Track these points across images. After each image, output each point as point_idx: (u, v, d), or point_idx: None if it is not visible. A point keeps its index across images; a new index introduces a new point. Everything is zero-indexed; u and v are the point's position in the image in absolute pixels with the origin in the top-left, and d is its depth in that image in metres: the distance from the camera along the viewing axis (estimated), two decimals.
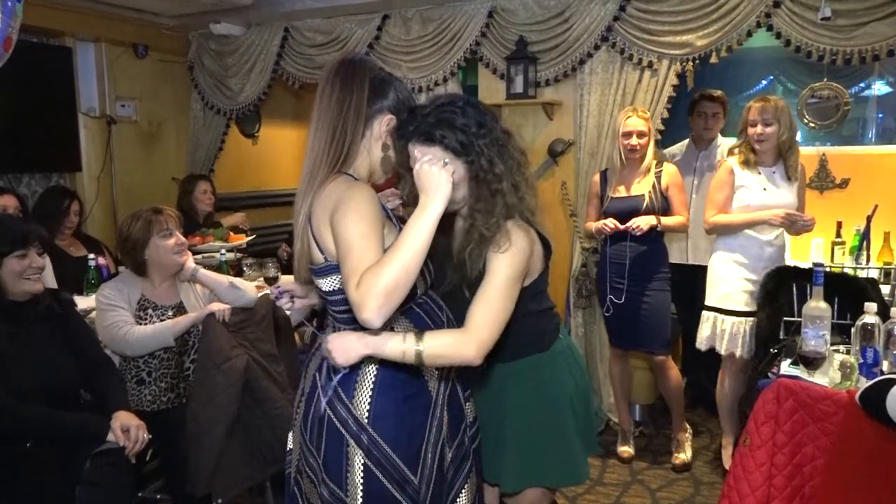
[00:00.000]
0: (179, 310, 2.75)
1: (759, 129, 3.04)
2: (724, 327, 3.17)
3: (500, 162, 1.65)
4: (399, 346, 1.51)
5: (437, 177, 1.47)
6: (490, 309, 1.61)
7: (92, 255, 3.45)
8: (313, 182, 1.59)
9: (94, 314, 2.86)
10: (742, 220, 3.09)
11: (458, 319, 1.71)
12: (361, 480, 1.58)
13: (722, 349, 3.18)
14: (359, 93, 1.59)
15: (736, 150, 3.19)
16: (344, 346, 1.51)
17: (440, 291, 1.79)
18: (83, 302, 2.98)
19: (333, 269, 1.57)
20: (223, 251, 3.52)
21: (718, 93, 3.95)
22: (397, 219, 1.72)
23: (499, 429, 1.90)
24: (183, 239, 2.75)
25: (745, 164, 3.12)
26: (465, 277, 1.72)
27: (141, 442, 2.29)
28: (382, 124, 1.63)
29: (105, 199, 4.52)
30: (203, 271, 2.81)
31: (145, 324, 2.65)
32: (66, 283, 3.15)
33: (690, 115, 4.04)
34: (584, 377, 1.98)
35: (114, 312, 2.61)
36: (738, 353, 3.14)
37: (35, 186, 4.20)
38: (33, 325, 2.35)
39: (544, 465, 1.87)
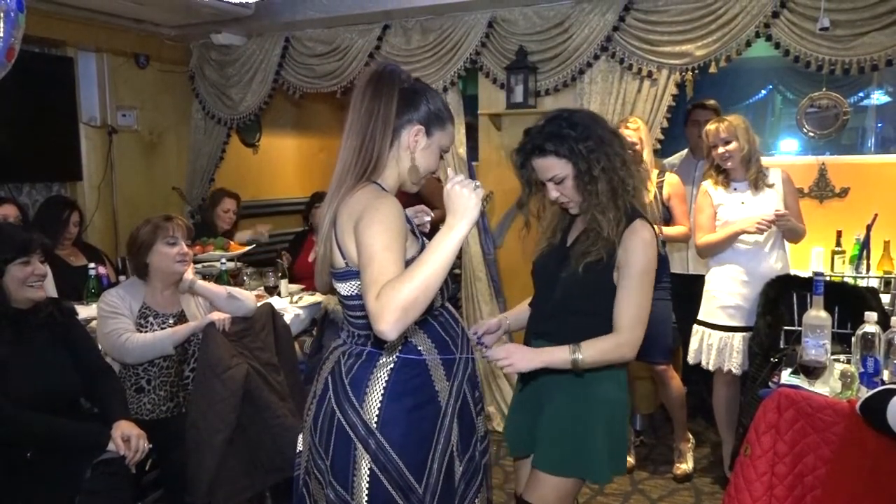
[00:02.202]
0: (181, 318, 2.75)
1: (720, 149, 3.11)
2: (710, 342, 3.20)
3: (600, 162, 1.85)
4: (565, 356, 1.83)
5: (467, 199, 1.48)
6: (632, 306, 1.86)
7: (92, 265, 3.45)
8: (340, 188, 1.61)
9: (94, 323, 2.86)
10: (723, 236, 3.13)
11: (548, 300, 1.97)
12: (367, 485, 1.59)
13: (710, 364, 3.20)
14: (387, 104, 1.60)
15: (709, 174, 3.26)
16: (525, 356, 1.85)
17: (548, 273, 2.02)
18: (83, 311, 2.98)
19: (353, 274, 1.59)
20: (223, 260, 3.52)
21: (711, 101, 3.97)
22: (422, 234, 1.74)
23: (540, 406, 1.99)
24: (186, 249, 2.74)
25: (718, 184, 3.20)
26: (584, 264, 1.89)
27: (141, 451, 2.29)
28: (411, 135, 1.64)
29: (105, 208, 4.53)
30: (200, 282, 2.80)
31: (146, 332, 2.65)
32: (66, 293, 3.15)
33: (686, 125, 4.06)
34: (625, 394, 2.01)
35: (114, 320, 2.61)
36: (725, 367, 3.16)
37: (36, 196, 4.20)
38: (35, 332, 2.35)
39: (565, 455, 1.91)
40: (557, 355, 1.84)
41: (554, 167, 1.89)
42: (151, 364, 2.64)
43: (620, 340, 1.85)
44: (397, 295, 1.38)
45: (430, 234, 1.65)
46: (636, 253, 1.86)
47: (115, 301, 2.66)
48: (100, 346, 2.62)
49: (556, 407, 1.95)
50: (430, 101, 1.66)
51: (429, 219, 1.92)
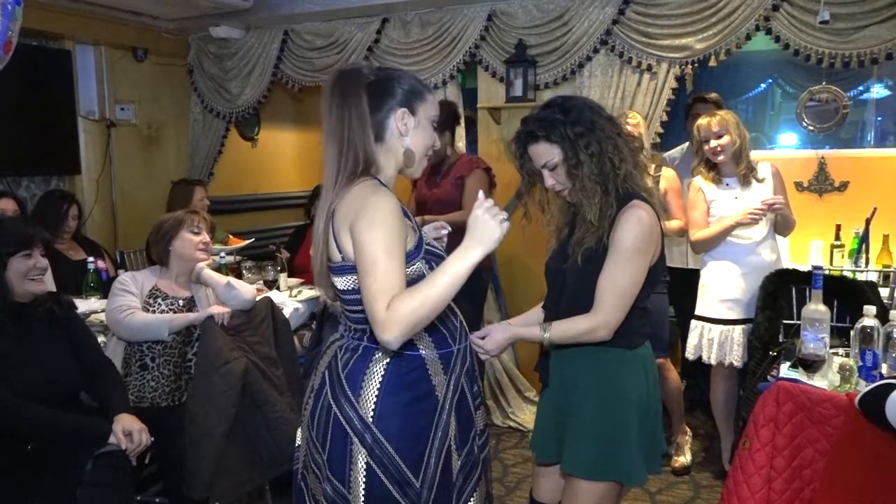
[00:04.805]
0: (189, 303, 2.81)
1: (712, 143, 3.10)
2: (711, 336, 3.19)
3: (589, 147, 1.82)
4: (535, 333, 1.89)
5: (492, 230, 1.50)
6: (612, 286, 1.81)
7: (91, 259, 3.45)
8: (333, 186, 1.60)
9: (93, 317, 2.90)
10: (718, 230, 3.13)
11: (560, 300, 1.94)
12: (364, 479, 1.59)
13: (711, 359, 3.19)
14: (357, 105, 1.59)
15: (699, 170, 3.25)
16: (498, 345, 1.89)
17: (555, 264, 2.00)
18: (82, 305, 2.99)
19: (349, 269, 1.59)
20: (222, 254, 3.51)
21: (713, 94, 3.96)
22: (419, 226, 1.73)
23: (563, 407, 1.96)
24: (209, 240, 2.87)
25: (709, 180, 3.19)
26: (581, 253, 1.87)
27: (143, 445, 2.29)
28: (398, 121, 1.63)
29: (104, 202, 4.52)
30: (206, 271, 2.87)
31: (152, 311, 2.71)
32: (65, 287, 3.14)
33: (686, 119, 4.05)
34: (656, 391, 1.97)
35: (122, 297, 2.69)
36: (727, 360, 3.16)
37: (34, 189, 4.19)
38: (36, 326, 2.35)
39: (599, 457, 1.87)
40: (528, 333, 1.93)
41: (546, 153, 1.87)
42: (156, 342, 2.68)
43: (595, 322, 1.82)
44: (407, 311, 1.43)
45: (449, 247, 1.67)
46: (623, 230, 1.80)
47: (127, 279, 2.78)
48: (105, 321, 2.73)
49: (585, 408, 1.90)
50: (400, 82, 1.65)
51: (446, 232, 1.92)
